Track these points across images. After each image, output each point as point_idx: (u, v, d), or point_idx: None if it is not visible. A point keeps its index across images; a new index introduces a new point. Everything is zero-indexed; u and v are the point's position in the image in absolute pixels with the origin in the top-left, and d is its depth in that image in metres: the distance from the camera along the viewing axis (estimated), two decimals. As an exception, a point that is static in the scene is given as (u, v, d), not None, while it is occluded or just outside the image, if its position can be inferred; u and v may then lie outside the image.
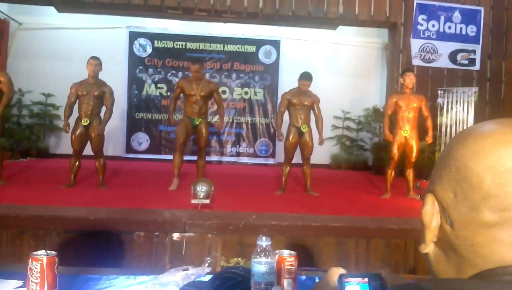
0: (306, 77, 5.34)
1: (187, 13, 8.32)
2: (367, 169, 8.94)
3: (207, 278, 1.61)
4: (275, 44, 9.88)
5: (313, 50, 9.84)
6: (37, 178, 5.84)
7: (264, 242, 1.43)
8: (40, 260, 1.22)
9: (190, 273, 1.70)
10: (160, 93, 9.67)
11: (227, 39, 9.81)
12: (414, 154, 5.31)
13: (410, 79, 5.29)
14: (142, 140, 9.59)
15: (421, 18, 8.25)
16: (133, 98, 9.60)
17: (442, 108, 7.88)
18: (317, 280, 1.71)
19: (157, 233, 3.45)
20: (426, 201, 0.57)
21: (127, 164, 8.10)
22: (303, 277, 1.67)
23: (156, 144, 9.61)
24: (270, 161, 9.65)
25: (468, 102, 7.77)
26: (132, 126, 9.56)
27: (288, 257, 1.57)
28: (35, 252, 1.34)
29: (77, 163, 5.16)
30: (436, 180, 0.57)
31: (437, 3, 8.26)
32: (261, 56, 9.88)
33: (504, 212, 0.50)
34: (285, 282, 1.52)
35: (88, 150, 5.36)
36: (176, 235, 3.47)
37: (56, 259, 1.27)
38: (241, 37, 9.82)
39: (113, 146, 9.04)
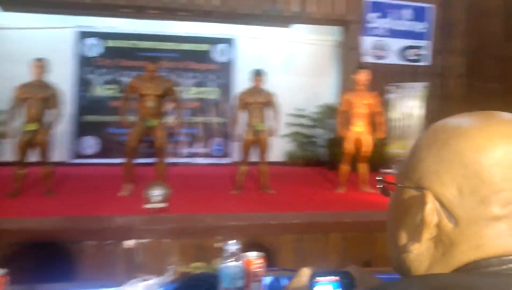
0: (259, 72, 5.35)
1: (140, 12, 8.10)
2: (322, 165, 9.06)
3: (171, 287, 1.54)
4: (230, 42, 9.80)
5: (268, 48, 9.84)
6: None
7: (232, 246, 1.39)
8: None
9: (151, 283, 1.61)
10: (110, 94, 9.34)
11: (180, 37, 9.61)
12: (366, 149, 5.42)
13: (363, 77, 5.39)
14: (91, 144, 9.21)
15: (372, 16, 8.45)
16: (81, 100, 9.22)
17: (393, 103, 8.10)
18: (283, 281, 1.67)
19: (109, 241, 3.31)
20: (426, 199, 0.53)
21: (75, 169, 7.76)
22: (271, 278, 1.63)
23: (107, 148, 9.24)
24: (226, 160, 9.57)
25: (417, 97, 8.03)
26: (80, 130, 9.16)
27: (255, 259, 1.53)
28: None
29: (22, 171, 4.87)
30: (430, 176, 0.55)
31: (387, 1, 8.49)
32: (215, 54, 9.77)
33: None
34: (253, 285, 1.48)
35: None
36: (129, 243, 3.34)
37: (8, 277, 1.18)
38: (195, 35, 9.66)
39: (60, 151, 8.63)
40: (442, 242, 0.53)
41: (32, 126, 4.81)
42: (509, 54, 8.71)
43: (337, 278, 0.79)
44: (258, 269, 1.55)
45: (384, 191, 0.67)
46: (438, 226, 0.53)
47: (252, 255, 1.58)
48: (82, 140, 9.18)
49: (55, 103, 4.93)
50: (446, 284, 0.49)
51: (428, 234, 0.53)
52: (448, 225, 0.53)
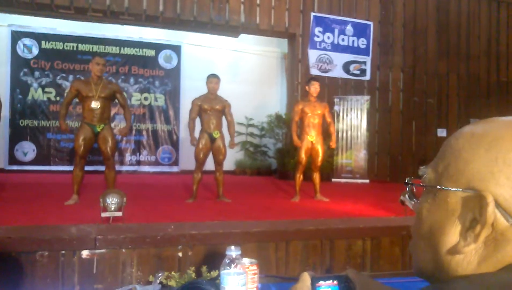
0: (214, 75, 5.32)
1: (80, 13, 7.76)
2: (271, 174, 9.16)
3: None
4: (176, 49, 9.68)
5: (216, 56, 9.84)
6: None
7: (233, 252, 1.34)
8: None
9: None
10: (48, 98, 8.85)
11: (124, 41, 9.36)
12: (320, 158, 5.56)
13: (314, 88, 5.53)
14: (27, 149, 8.64)
15: (317, 30, 8.73)
16: (16, 104, 8.64)
17: (338, 115, 8.40)
18: (274, 288, 1.65)
19: (63, 251, 3.08)
20: (488, 200, 0.53)
21: (11, 176, 7.22)
22: (262, 285, 1.61)
23: (44, 154, 8.73)
24: (174, 169, 9.37)
25: (361, 109, 8.39)
26: (16, 135, 8.58)
27: (250, 265, 1.49)
28: None
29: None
30: (484, 177, 0.55)
31: (331, 17, 8.82)
32: (161, 60, 9.59)
33: None
34: None
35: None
36: (85, 253, 3.13)
37: None
38: (139, 40, 9.44)
39: (-5, 156, 8.03)
40: (496, 240, 0.54)
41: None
42: (441, 71, 9.40)
43: (336, 282, 0.81)
44: (254, 275, 1.53)
45: (411, 195, 0.68)
46: (493, 225, 0.54)
47: (246, 261, 1.55)
48: (18, 146, 8.57)
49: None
50: (505, 283, 0.50)
51: (486, 234, 0.54)
52: (503, 223, 0.54)
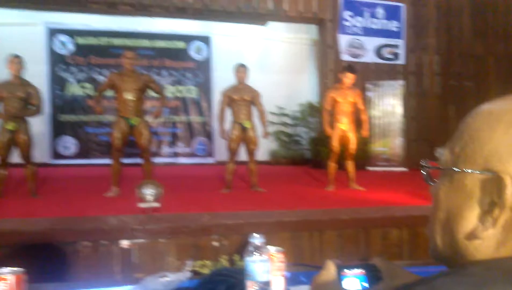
0: (242, 64, 5.37)
1: (111, 7, 7.93)
2: (306, 164, 9.12)
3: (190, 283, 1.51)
4: (206, 40, 9.74)
5: (245, 46, 9.83)
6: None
7: (257, 239, 1.36)
8: (7, 279, 1.06)
9: (170, 279, 1.58)
10: (86, 93, 9.12)
11: (155, 35, 9.49)
12: (353, 146, 5.49)
13: (348, 79, 5.45)
14: (69, 144, 8.97)
15: (347, 14, 8.57)
16: (56, 99, 8.95)
17: (371, 102, 8.25)
18: (302, 276, 1.66)
19: (103, 241, 3.22)
20: (506, 181, 0.51)
21: (55, 170, 7.52)
22: (290, 273, 1.63)
23: (85, 148, 9.04)
24: (209, 160, 9.50)
25: (395, 95, 8.20)
26: (57, 129, 8.91)
27: (276, 253, 1.51)
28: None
29: (3, 172, 4.67)
30: (502, 158, 0.53)
31: (361, 0, 8.62)
32: (192, 52, 9.68)
33: None
34: (276, 279, 1.46)
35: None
36: (124, 242, 3.26)
37: (25, 276, 1.12)
38: (169, 32, 9.54)
39: (38, 151, 8.33)
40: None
41: (12, 126, 4.61)
42: (479, 51, 9.04)
43: (363, 271, 0.79)
44: (280, 263, 1.54)
45: (428, 178, 0.65)
46: (511, 208, 0.52)
47: (272, 249, 1.56)
48: (59, 140, 8.91)
49: (35, 99, 4.75)
50: None
51: (505, 217, 0.52)
52: None
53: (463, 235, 0.56)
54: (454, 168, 0.57)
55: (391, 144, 8.14)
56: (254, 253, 1.43)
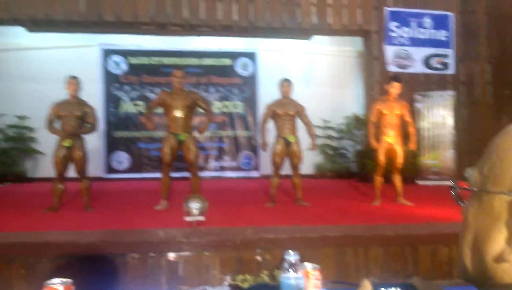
0: (286, 79, 5.42)
1: (161, 28, 8.26)
2: (352, 177, 8.98)
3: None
4: (251, 56, 9.90)
5: (290, 61, 9.89)
6: (18, 203, 5.59)
7: (292, 256, 1.38)
8: None
9: None
10: (138, 110, 9.52)
11: (202, 53, 9.78)
12: (399, 160, 5.36)
13: (394, 89, 5.35)
14: (122, 159, 9.38)
15: (393, 25, 8.43)
16: (110, 117, 9.41)
17: (420, 113, 8.02)
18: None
19: (152, 254, 3.34)
20: None
21: (109, 184, 7.89)
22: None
23: (137, 163, 9.41)
24: (255, 174, 9.59)
25: (445, 105, 7.93)
26: (111, 145, 9.35)
27: (312, 270, 1.52)
28: (49, 281, 1.25)
29: (60, 186, 4.97)
30: None
31: (407, 10, 8.47)
32: (238, 68, 9.87)
33: None
34: None
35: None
36: (172, 255, 3.37)
37: (73, 287, 1.20)
38: (216, 50, 9.81)
39: (93, 166, 8.79)
40: None
41: (68, 142, 4.91)
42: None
43: None
44: (316, 280, 1.55)
45: (457, 199, 0.65)
46: None
47: (309, 266, 1.57)
48: (113, 156, 9.35)
49: (90, 118, 5.04)
50: None
51: None
52: None
53: (491, 258, 0.55)
54: (482, 190, 0.57)
55: (441, 156, 7.84)
56: (289, 270, 1.45)
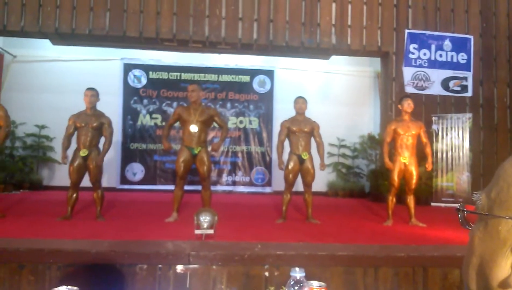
0: (300, 96, 5.47)
1: (182, 45, 8.42)
2: (364, 196, 8.91)
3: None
4: (269, 73, 9.99)
5: (307, 79, 9.95)
6: (32, 211, 5.70)
7: (298, 273, 1.37)
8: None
9: None
10: (155, 123, 9.66)
11: (221, 69, 9.91)
12: (414, 181, 5.30)
13: (408, 104, 5.35)
14: (136, 170, 9.49)
15: (412, 47, 8.43)
16: (127, 129, 9.57)
17: (437, 135, 7.94)
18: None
19: (160, 265, 3.35)
20: None
21: (122, 195, 7.98)
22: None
23: (151, 175, 9.51)
24: (267, 189, 9.59)
25: (462, 128, 7.84)
26: (127, 157, 9.48)
27: (319, 288, 1.50)
28: (55, 289, 1.27)
29: (74, 195, 5.05)
30: None
31: (427, 32, 8.47)
32: (255, 85, 9.96)
33: None
34: None
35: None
36: (180, 267, 3.37)
37: None
38: (235, 67, 9.93)
39: (108, 177, 8.93)
40: None
41: (84, 152, 5.00)
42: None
43: None
44: (322, 300, 1.53)
45: (464, 222, 0.65)
46: None
47: (315, 284, 1.56)
48: (128, 167, 9.47)
49: (106, 131, 5.13)
50: None
51: None
52: None
53: (496, 283, 0.55)
54: (488, 214, 0.58)
55: (457, 179, 7.72)
56: (294, 287, 1.44)
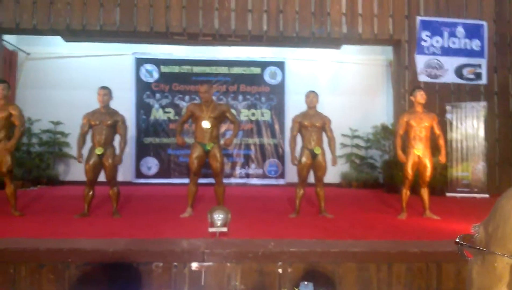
0: (312, 91, 5.43)
1: (192, 38, 8.42)
2: (378, 187, 8.87)
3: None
4: (280, 65, 9.95)
5: (318, 69, 9.89)
6: (50, 207, 5.82)
7: (306, 288, 1.40)
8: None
9: None
10: (168, 117, 9.72)
11: (232, 62, 9.90)
12: (428, 173, 5.26)
13: (421, 95, 5.28)
14: (151, 164, 9.60)
15: (424, 34, 8.30)
16: (141, 123, 9.66)
17: (451, 124, 7.85)
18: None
19: (175, 263, 3.41)
20: None
21: (137, 189, 8.09)
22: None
23: (165, 168, 9.61)
24: (280, 181, 9.62)
25: (477, 116, 7.73)
26: (141, 151, 9.59)
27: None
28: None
29: (91, 193, 5.14)
30: None
31: (440, 19, 8.32)
32: (266, 77, 9.93)
33: None
34: None
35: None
36: (194, 265, 3.43)
37: None
38: (246, 59, 9.91)
39: (123, 171, 9.05)
40: None
41: (100, 150, 5.08)
42: None
43: None
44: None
45: (462, 254, 0.65)
46: None
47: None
48: (143, 161, 9.58)
49: (120, 129, 5.19)
50: None
51: None
52: None
53: None
54: (485, 249, 0.58)
55: (472, 168, 7.64)
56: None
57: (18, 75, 9.28)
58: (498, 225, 0.57)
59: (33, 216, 4.99)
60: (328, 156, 5.31)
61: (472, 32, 8.30)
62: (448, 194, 7.63)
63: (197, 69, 9.83)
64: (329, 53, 9.71)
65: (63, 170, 9.52)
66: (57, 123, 9.32)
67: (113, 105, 5.37)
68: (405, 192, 5.30)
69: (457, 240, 0.67)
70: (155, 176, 9.54)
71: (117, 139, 5.26)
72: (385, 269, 3.47)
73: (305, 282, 1.40)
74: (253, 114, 9.88)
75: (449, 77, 8.26)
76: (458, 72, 8.27)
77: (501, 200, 0.60)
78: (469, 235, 0.66)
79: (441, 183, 7.54)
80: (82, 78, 9.19)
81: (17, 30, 8.07)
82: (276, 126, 9.84)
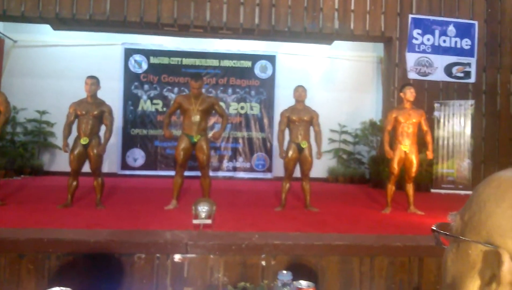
0: (300, 85, 5.41)
1: (183, 30, 8.34)
2: (365, 183, 8.93)
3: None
4: (271, 59, 9.91)
5: (309, 64, 9.88)
6: (33, 197, 5.74)
7: (285, 277, 1.39)
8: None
9: None
10: (156, 109, 9.64)
11: (223, 54, 9.84)
12: (414, 169, 5.30)
13: (411, 92, 5.31)
14: (137, 156, 9.52)
15: (416, 32, 8.33)
16: (128, 114, 9.56)
17: (439, 121, 7.91)
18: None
19: (158, 254, 3.39)
20: (503, 258, 0.51)
21: (122, 180, 8.02)
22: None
23: (152, 160, 9.54)
24: (268, 175, 9.62)
25: (464, 114, 7.80)
26: (128, 142, 9.50)
27: (307, 289, 1.52)
28: (49, 290, 1.29)
29: (74, 183, 5.08)
30: (503, 233, 0.53)
31: (431, 18, 8.36)
32: (257, 71, 9.89)
33: None
34: None
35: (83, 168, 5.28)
36: (177, 257, 3.41)
37: None
38: (237, 52, 9.85)
39: (109, 162, 8.97)
40: None
41: (85, 140, 5.02)
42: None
43: None
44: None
45: (438, 242, 0.65)
46: (511, 283, 0.51)
47: (303, 284, 1.57)
48: (129, 153, 9.50)
49: (107, 120, 5.13)
50: None
51: None
52: None
53: None
54: (460, 237, 0.58)
55: (457, 166, 7.71)
56: (282, 289, 1.46)
57: (4, 63, 9.12)
58: (474, 213, 0.57)
59: (15, 206, 4.92)
60: (314, 150, 5.31)
61: (463, 31, 8.35)
62: (433, 190, 7.71)
63: (187, 61, 9.76)
64: (320, 49, 9.70)
65: (48, 160, 9.41)
66: (43, 113, 9.19)
67: (101, 95, 5.29)
68: (391, 187, 5.34)
69: (433, 228, 0.66)
70: (141, 168, 9.47)
71: (103, 129, 5.19)
72: (368, 262, 3.48)
73: (284, 271, 1.38)
74: (242, 108, 9.85)
75: (439, 75, 8.32)
76: (448, 70, 8.33)
77: (478, 188, 0.60)
78: (446, 224, 0.65)
79: (426, 179, 7.61)
80: (70, 67, 9.07)
81: (5, 17, 7.91)
82: (265, 120, 9.82)
